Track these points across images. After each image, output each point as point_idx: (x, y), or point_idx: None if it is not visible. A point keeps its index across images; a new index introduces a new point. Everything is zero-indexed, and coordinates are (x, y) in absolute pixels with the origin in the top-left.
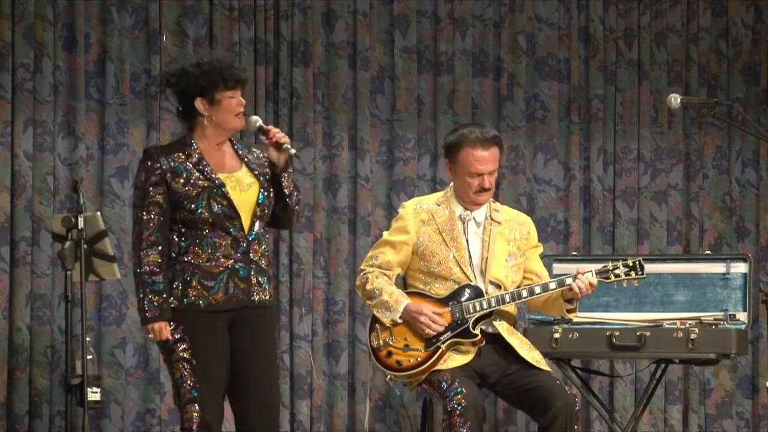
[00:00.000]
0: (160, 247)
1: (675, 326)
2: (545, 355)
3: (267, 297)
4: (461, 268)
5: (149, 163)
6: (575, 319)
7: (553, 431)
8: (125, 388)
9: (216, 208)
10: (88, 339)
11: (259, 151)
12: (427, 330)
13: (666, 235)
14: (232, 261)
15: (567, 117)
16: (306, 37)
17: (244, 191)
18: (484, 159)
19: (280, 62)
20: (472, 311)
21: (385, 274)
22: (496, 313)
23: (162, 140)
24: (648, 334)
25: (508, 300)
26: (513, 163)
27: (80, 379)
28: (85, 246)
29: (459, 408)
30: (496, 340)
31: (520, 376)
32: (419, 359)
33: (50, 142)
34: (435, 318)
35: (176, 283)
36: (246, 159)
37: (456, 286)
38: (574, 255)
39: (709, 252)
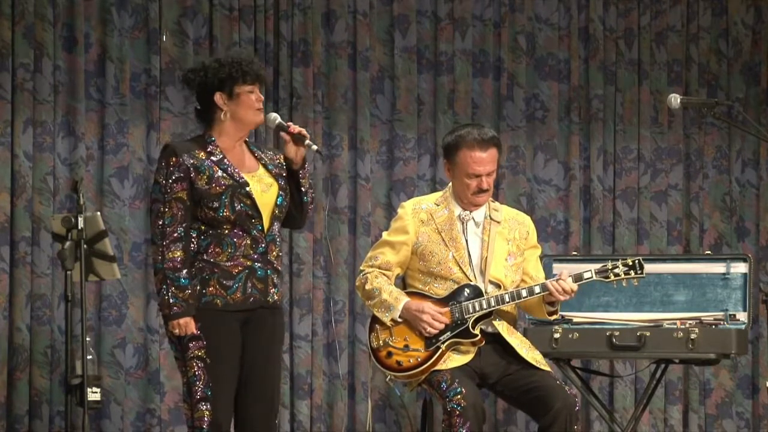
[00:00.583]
0: (183, 243)
1: (675, 326)
2: (545, 355)
3: (279, 298)
4: (461, 267)
5: (173, 159)
6: (575, 319)
7: (553, 431)
8: (125, 388)
9: (239, 207)
10: (88, 339)
11: (272, 152)
12: (429, 328)
13: (666, 235)
14: (251, 261)
15: (567, 117)
16: (306, 37)
17: (265, 191)
18: (482, 160)
19: (280, 62)
20: (471, 311)
21: (384, 274)
22: (496, 312)
23: (162, 140)
24: (648, 334)
25: (507, 300)
26: (513, 163)
27: (80, 379)
28: (85, 246)
29: (458, 408)
30: (496, 340)
31: (520, 376)
32: (419, 359)
33: (50, 142)
34: (437, 316)
35: (194, 281)
36: (262, 160)
37: (455, 286)
38: (574, 255)
39: (709, 252)
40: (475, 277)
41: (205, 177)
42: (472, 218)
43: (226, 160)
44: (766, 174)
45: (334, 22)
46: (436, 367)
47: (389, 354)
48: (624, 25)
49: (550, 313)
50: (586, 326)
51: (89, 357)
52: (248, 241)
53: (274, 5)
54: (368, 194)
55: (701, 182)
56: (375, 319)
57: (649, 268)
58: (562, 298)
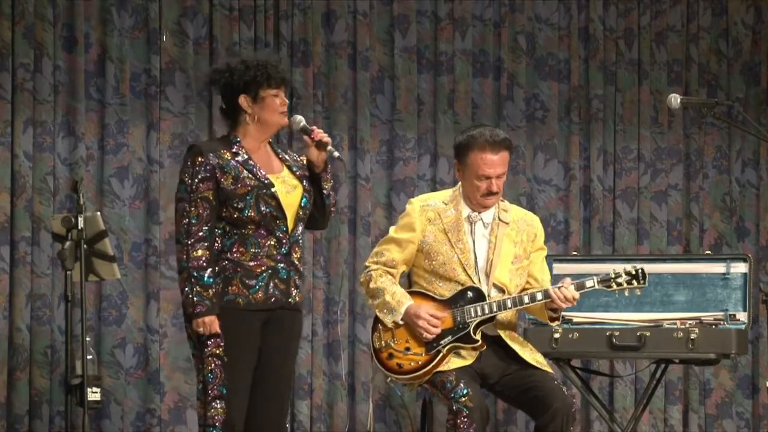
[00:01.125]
0: (207, 243)
1: (675, 326)
2: (545, 355)
3: (300, 299)
4: (465, 270)
5: (199, 159)
6: (575, 319)
7: (550, 431)
8: (125, 388)
9: (264, 208)
10: (88, 339)
11: (295, 154)
12: (425, 333)
13: (666, 235)
14: (274, 261)
15: (567, 117)
16: (306, 37)
17: (289, 193)
18: (493, 163)
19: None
20: (473, 315)
21: (389, 272)
22: (497, 319)
23: (162, 140)
24: (648, 334)
25: (509, 305)
26: (513, 163)
27: (80, 379)
28: (85, 246)
29: (465, 410)
30: (496, 342)
31: (520, 376)
32: (420, 363)
33: (50, 142)
34: (432, 321)
35: (217, 279)
36: (286, 161)
37: (459, 288)
38: (574, 255)
39: (709, 252)
40: (479, 280)
41: (230, 177)
42: (481, 219)
43: (251, 161)
44: (766, 174)
45: (334, 22)
46: (438, 369)
47: (390, 356)
48: (624, 25)
49: (552, 319)
50: (586, 326)
51: (89, 357)
52: (272, 242)
53: (274, 5)
54: (368, 194)
55: (701, 182)
56: (378, 319)
57: (649, 268)
58: (563, 305)
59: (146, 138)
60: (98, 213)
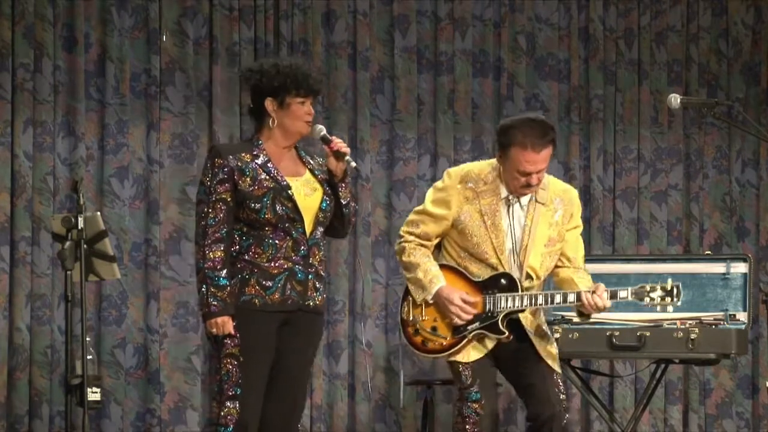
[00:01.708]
0: (224, 244)
1: (675, 326)
2: None
3: (321, 303)
4: (497, 254)
5: (218, 160)
6: (575, 319)
7: None
8: (125, 388)
9: (280, 209)
10: (88, 339)
11: (321, 159)
12: (456, 319)
13: (666, 235)
14: (291, 263)
15: (567, 117)
16: (306, 37)
17: (308, 196)
18: (535, 160)
19: None
20: (504, 306)
21: (423, 245)
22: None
23: (162, 140)
24: (648, 334)
25: (540, 302)
26: None
27: (80, 379)
28: (85, 246)
29: (475, 416)
30: (517, 327)
31: (525, 365)
32: (444, 345)
33: (50, 142)
34: (465, 308)
35: (234, 280)
36: (309, 165)
37: (490, 270)
38: None
39: (709, 252)
40: (510, 266)
41: (248, 179)
42: (518, 201)
43: (270, 164)
44: (766, 174)
45: (334, 22)
46: (457, 358)
47: (416, 332)
48: (624, 25)
49: (580, 314)
50: (586, 326)
51: (89, 357)
52: (289, 243)
53: (274, 5)
54: (368, 194)
55: (701, 182)
56: (408, 291)
57: (649, 268)
58: (593, 312)
59: (146, 138)
60: (98, 213)
